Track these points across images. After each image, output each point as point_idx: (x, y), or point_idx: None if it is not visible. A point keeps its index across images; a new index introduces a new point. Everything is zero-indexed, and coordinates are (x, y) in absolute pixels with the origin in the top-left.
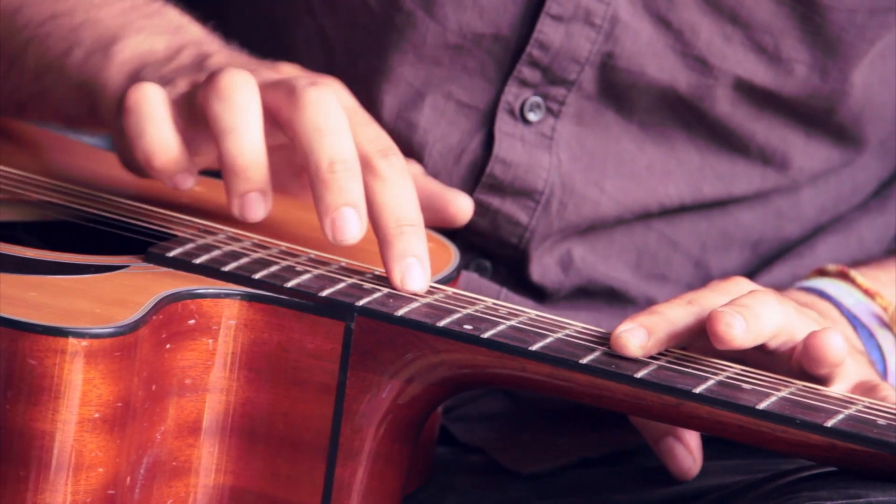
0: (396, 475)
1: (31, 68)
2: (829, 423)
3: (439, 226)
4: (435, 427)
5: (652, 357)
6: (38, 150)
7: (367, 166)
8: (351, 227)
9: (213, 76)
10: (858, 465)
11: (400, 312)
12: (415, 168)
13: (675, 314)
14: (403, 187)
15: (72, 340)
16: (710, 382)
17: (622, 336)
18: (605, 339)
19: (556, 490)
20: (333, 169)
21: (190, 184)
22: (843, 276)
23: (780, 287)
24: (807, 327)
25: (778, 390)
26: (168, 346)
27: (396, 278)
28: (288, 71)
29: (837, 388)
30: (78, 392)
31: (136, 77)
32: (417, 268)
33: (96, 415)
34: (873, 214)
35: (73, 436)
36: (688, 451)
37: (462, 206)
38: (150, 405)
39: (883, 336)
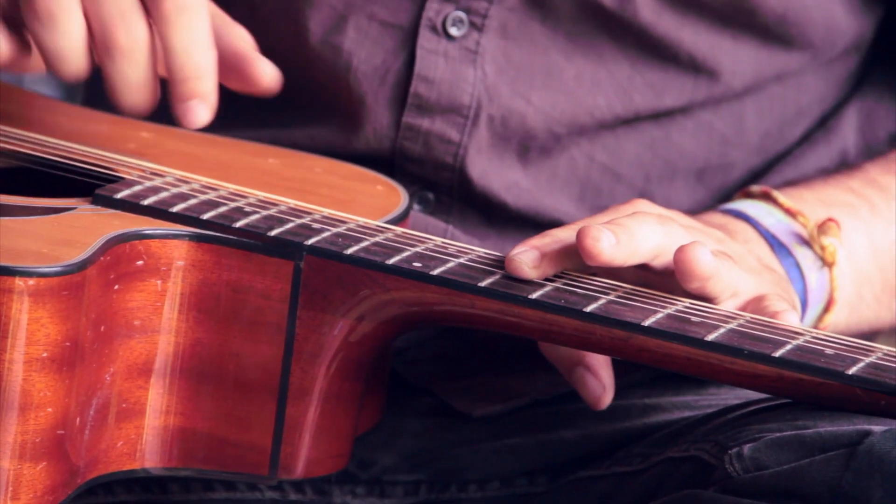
0: (347, 414)
1: None
2: (777, 354)
3: (246, 90)
4: (387, 369)
5: (601, 291)
6: None
7: None
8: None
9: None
10: (807, 396)
11: (349, 251)
12: (240, 31)
13: (566, 235)
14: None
15: (18, 280)
16: (659, 315)
17: (516, 258)
18: (554, 276)
19: (507, 430)
20: None
21: None
22: (766, 196)
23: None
24: None
25: (726, 322)
26: (116, 286)
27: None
28: None
29: (727, 305)
30: (25, 331)
31: None
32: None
33: (44, 354)
34: (819, 148)
35: (22, 375)
36: (598, 379)
37: (266, 71)
38: (99, 346)
39: (802, 254)
